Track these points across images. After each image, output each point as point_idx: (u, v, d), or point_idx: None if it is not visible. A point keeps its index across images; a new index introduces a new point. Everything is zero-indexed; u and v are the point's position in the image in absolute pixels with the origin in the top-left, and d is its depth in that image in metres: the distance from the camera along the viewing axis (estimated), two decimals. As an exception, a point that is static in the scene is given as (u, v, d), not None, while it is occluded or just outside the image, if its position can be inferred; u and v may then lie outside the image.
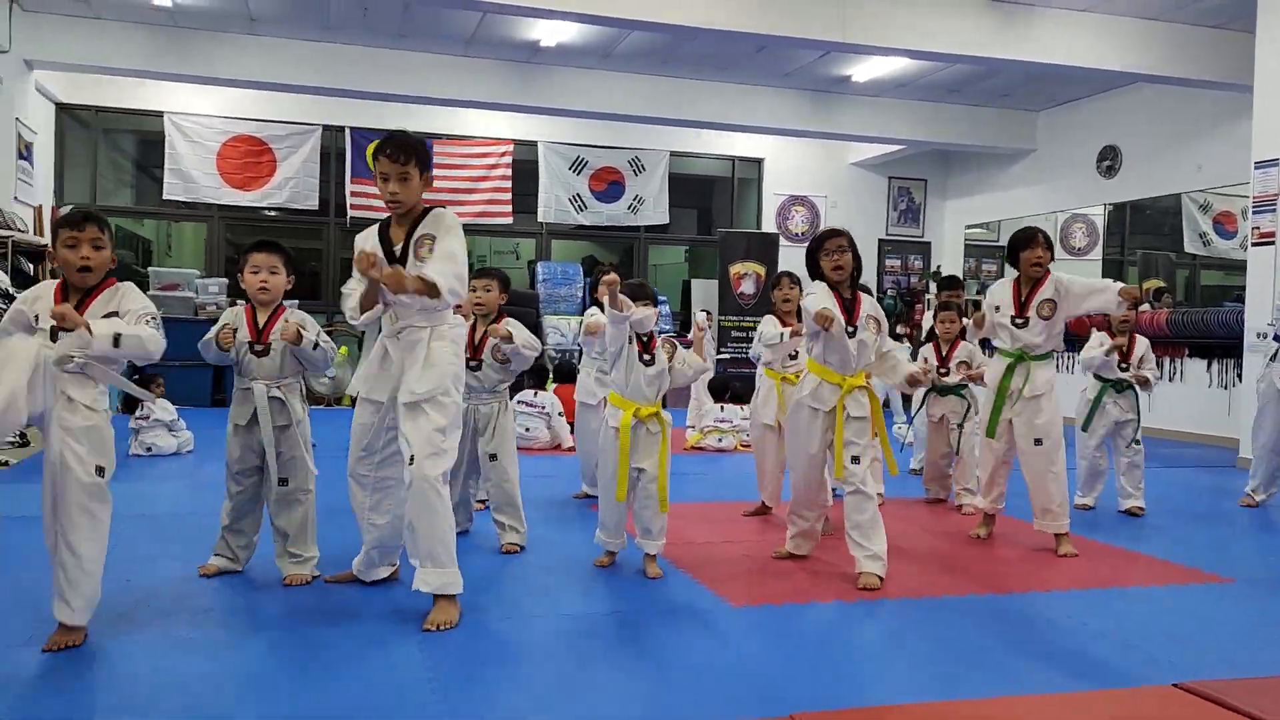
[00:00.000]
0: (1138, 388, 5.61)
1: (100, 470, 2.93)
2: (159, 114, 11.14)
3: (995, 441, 4.71)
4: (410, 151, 3.27)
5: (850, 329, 3.97)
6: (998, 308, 4.71)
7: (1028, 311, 4.58)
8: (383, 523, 3.55)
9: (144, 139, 12.15)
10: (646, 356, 3.99)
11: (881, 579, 3.85)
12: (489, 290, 4.43)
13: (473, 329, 4.44)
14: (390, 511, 3.54)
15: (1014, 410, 4.61)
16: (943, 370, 5.66)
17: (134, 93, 10.94)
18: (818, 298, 3.98)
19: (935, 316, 5.84)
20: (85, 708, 2.57)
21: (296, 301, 10.55)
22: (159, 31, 9.53)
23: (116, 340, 2.90)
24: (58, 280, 3.11)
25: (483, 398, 4.43)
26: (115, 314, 3.00)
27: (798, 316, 4.66)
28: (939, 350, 5.74)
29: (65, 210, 10.28)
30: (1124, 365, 5.61)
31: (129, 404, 7.09)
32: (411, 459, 3.21)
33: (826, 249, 4.06)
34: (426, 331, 3.30)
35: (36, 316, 2.99)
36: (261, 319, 3.69)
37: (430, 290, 3.11)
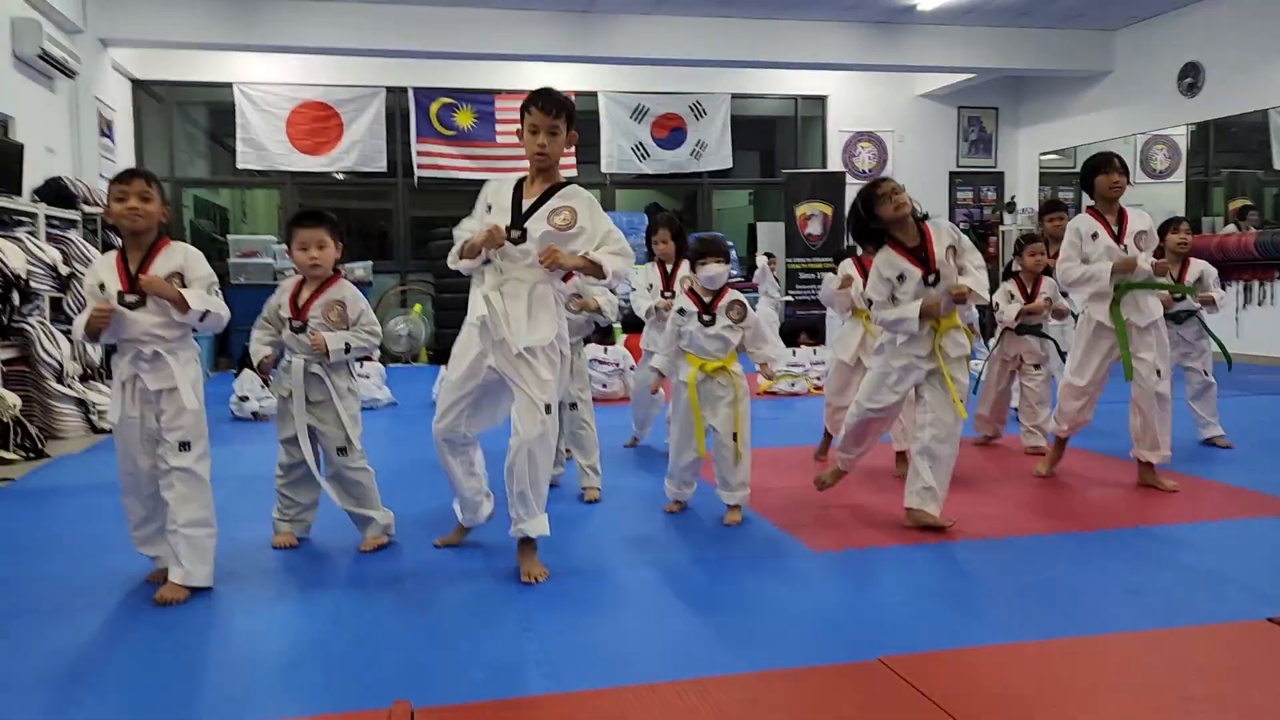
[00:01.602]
0: (1203, 310, 5.42)
1: (186, 445, 3.16)
2: (228, 85, 11.36)
3: (1082, 383, 4.54)
4: (562, 106, 3.30)
5: (931, 277, 3.80)
6: (1095, 235, 4.46)
7: (1124, 239, 4.45)
8: (477, 471, 3.62)
9: (215, 110, 12.40)
10: (707, 317, 4.01)
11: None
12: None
13: None
14: (475, 460, 3.61)
15: (1135, 340, 4.43)
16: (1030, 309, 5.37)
17: (203, 65, 11.16)
18: (877, 287, 3.91)
19: (1020, 249, 5.51)
20: (198, 663, 2.74)
21: (370, 263, 10.79)
22: (224, 2, 9.68)
23: (204, 316, 3.14)
24: (116, 250, 3.24)
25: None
26: (180, 275, 3.15)
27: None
28: (1023, 287, 5.44)
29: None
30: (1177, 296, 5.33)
31: (240, 370, 7.37)
32: (545, 406, 3.27)
33: (880, 194, 3.83)
34: (528, 286, 3.32)
35: (102, 285, 3.15)
36: (305, 294, 3.69)
37: (596, 272, 3.26)
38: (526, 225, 3.31)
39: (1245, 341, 9.40)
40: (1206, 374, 5.47)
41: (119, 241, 3.29)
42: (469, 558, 3.62)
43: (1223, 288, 5.60)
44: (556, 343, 3.35)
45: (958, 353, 3.86)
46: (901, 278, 3.85)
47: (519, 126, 3.37)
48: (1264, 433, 5.88)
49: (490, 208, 3.40)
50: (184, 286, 3.16)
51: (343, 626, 2.97)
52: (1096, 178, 4.49)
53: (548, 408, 3.27)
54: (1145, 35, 11.31)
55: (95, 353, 7.03)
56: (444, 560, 3.60)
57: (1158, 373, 4.43)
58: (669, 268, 5.35)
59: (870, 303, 4.07)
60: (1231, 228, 10.14)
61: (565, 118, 3.32)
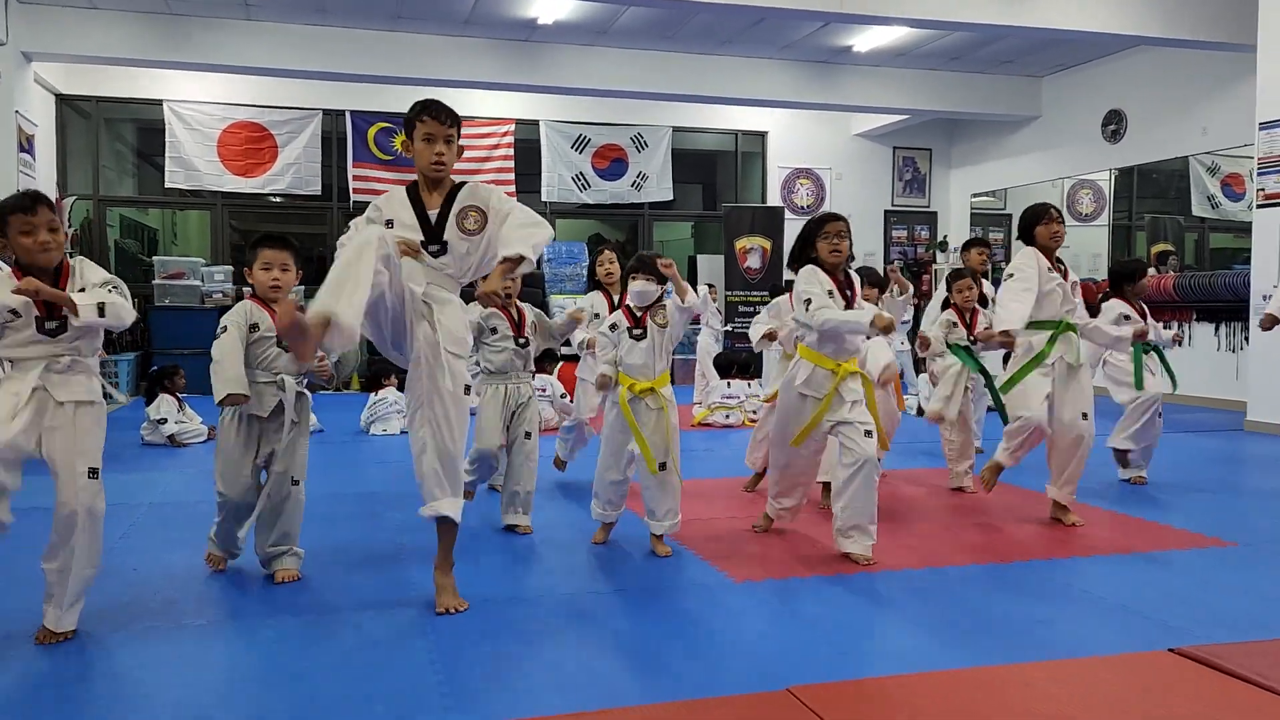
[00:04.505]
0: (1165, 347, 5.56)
1: (94, 472, 2.97)
2: (159, 102, 11.14)
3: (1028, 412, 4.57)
4: (454, 116, 3.28)
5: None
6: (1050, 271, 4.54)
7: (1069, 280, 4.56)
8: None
9: (144, 128, 12.16)
10: (637, 331, 4.01)
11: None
12: (515, 279, 4.52)
13: (505, 309, 4.53)
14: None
15: (1058, 381, 4.51)
16: (973, 339, 5.49)
17: (133, 82, 10.94)
18: (816, 291, 3.88)
19: (950, 284, 5.65)
20: (89, 699, 2.61)
21: (302, 289, 10.60)
22: (155, 19, 9.51)
23: (101, 310, 2.91)
24: (12, 266, 2.98)
25: (523, 376, 4.55)
26: (82, 290, 2.98)
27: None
28: (962, 316, 5.48)
29: (69, 201, 10.33)
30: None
31: (150, 394, 7.11)
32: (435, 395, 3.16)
33: (826, 232, 3.95)
34: (449, 295, 3.23)
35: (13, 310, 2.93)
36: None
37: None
38: (446, 238, 3.23)
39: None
40: (1158, 415, 5.54)
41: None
42: (378, 589, 3.53)
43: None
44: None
45: (852, 397, 3.91)
46: (831, 294, 3.92)
47: (405, 139, 3.31)
48: (1180, 471, 6.00)
49: (391, 223, 3.25)
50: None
51: (241, 659, 2.87)
52: (1037, 228, 4.55)
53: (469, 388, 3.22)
54: (1071, 82, 11.68)
55: None
56: (352, 591, 3.50)
57: (1082, 415, 4.50)
58: (615, 297, 5.23)
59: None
60: (1153, 271, 10.44)
61: (457, 127, 3.28)
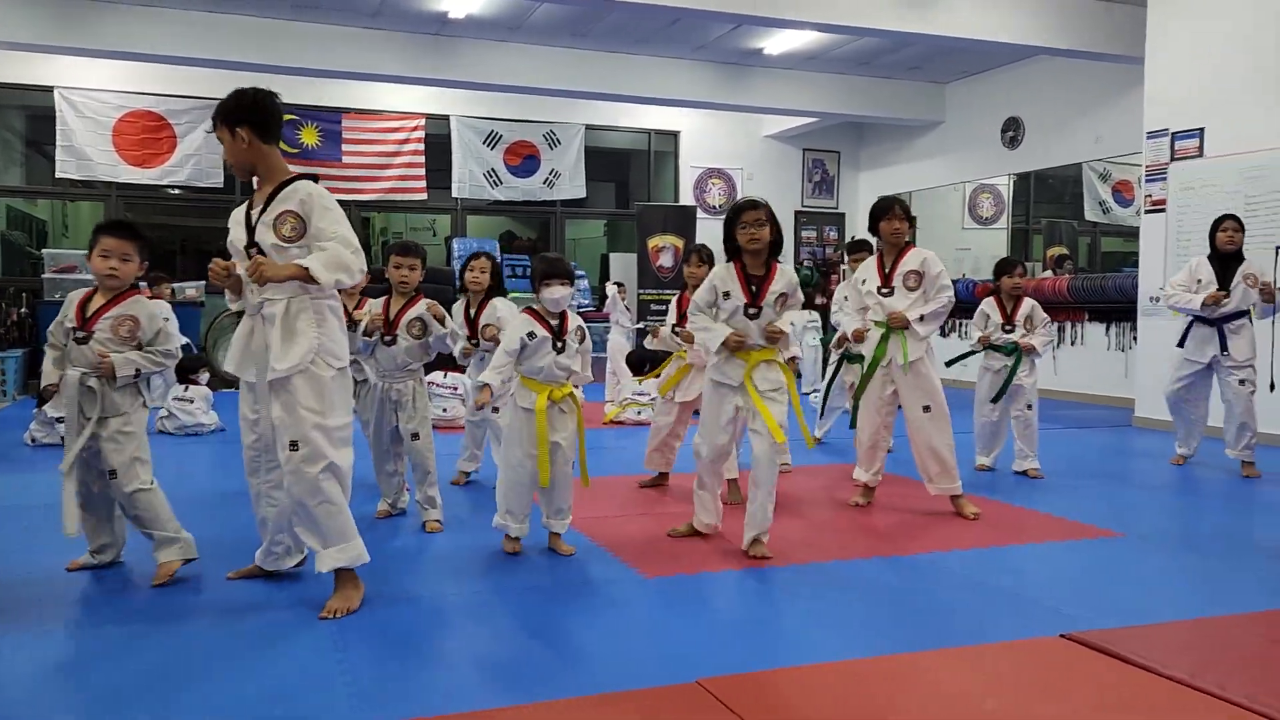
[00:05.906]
0: (1028, 355, 5.73)
1: None
2: (49, 89, 10.66)
3: (875, 414, 4.77)
4: (219, 112, 3.18)
5: (753, 310, 3.90)
6: (864, 281, 4.82)
7: (892, 281, 4.71)
8: (275, 508, 3.35)
9: (34, 115, 11.60)
10: (559, 344, 3.84)
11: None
12: (414, 269, 4.42)
13: (388, 304, 4.41)
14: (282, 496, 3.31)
15: (897, 380, 4.70)
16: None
17: (21, 67, 10.42)
18: (701, 299, 3.98)
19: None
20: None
21: (202, 283, 10.26)
22: (47, 1, 9.08)
23: None
24: None
25: (396, 375, 4.39)
26: None
27: None
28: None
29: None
30: (1008, 327, 5.76)
31: (44, 397, 6.76)
32: (290, 443, 3.06)
33: (743, 221, 3.93)
34: (283, 304, 3.10)
35: None
36: (95, 304, 3.43)
37: (306, 277, 2.98)
38: (257, 240, 3.11)
39: (1060, 378, 10.05)
40: (1029, 408, 5.75)
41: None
42: (283, 587, 3.44)
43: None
44: (320, 359, 3.12)
45: (766, 386, 3.89)
46: (727, 295, 3.94)
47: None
48: (1074, 464, 6.24)
49: (230, 230, 3.24)
50: None
51: (137, 662, 2.77)
52: (880, 223, 4.74)
53: (293, 444, 3.05)
54: (972, 89, 12.04)
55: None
56: (254, 590, 3.41)
57: (924, 409, 4.67)
58: (472, 310, 4.92)
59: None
60: (1049, 273, 10.86)
61: (221, 120, 3.17)
